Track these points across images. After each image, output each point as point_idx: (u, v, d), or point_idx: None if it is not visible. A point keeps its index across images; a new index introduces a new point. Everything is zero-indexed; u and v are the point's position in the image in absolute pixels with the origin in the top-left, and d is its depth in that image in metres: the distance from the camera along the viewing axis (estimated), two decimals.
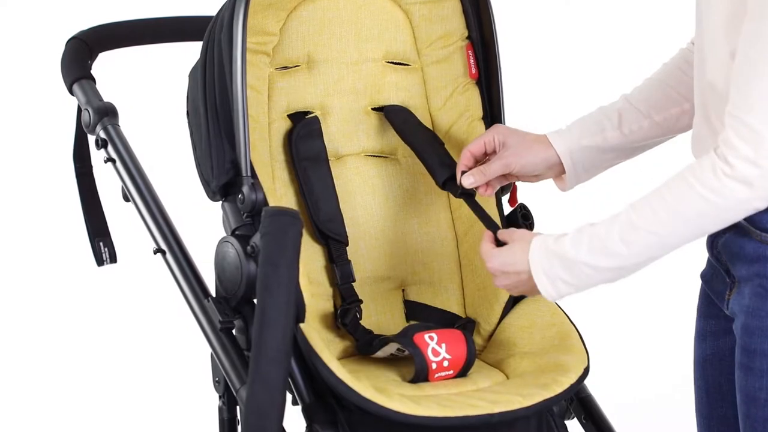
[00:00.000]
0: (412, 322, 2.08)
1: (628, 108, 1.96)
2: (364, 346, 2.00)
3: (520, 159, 1.97)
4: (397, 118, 2.10)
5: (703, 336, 1.92)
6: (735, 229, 1.76)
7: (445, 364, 1.89)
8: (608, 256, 1.73)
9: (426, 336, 1.90)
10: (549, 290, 1.78)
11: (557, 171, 2.00)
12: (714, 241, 1.82)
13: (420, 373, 1.88)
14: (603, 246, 1.73)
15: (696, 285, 1.93)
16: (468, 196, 2.00)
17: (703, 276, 1.90)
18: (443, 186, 2.04)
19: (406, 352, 1.91)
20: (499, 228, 1.92)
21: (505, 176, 2.00)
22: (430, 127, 2.14)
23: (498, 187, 2.03)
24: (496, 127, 2.02)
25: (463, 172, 1.98)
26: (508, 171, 1.98)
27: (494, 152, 1.99)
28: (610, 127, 1.96)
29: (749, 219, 1.74)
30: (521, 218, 2.06)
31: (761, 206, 1.67)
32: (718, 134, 1.69)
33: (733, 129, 1.63)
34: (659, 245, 1.71)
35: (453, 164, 2.04)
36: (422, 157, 2.07)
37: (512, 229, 1.89)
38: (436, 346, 1.89)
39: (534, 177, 2.01)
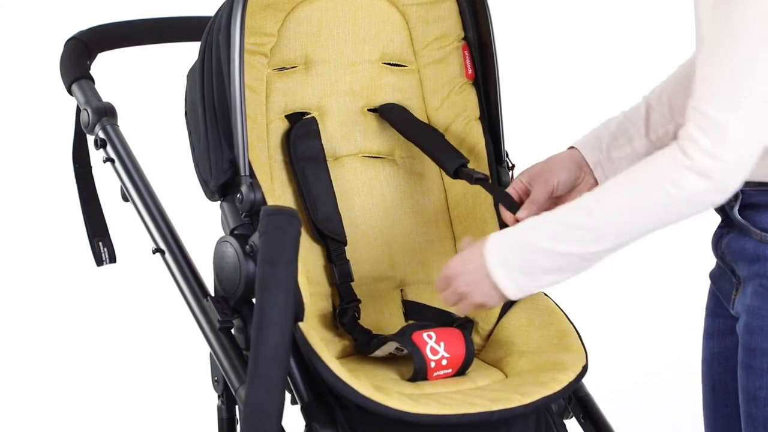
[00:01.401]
0: (410, 322, 2.09)
1: (652, 113, 1.94)
2: (362, 345, 2.01)
3: (557, 175, 1.93)
4: (393, 115, 2.11)
5: (711, 334, 1.92)
6: (737, 229, 1.77)
7: (444, 362, 1.90)
8: (564, 241, 1.71)
9: (424, 335, 1.90)
10: (504, 281, 1.74)
11: (593, 179, 1.95)
12: (718, 242, 1.83)
13: (419, 372, 1.89)
14: (560, 230, 1.71)
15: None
16: (483, 181, 1.99)
17: (712, 276, 1.91)
18: (455, 174, 2.03)
19: (405, 351, 1.91)
20: (519, 207, 1.90)
21: (554, 203, 1.93)
22: None
23: None
24: (520, 174, 1.98)
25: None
26: (551, 190, 1.93)
27: (527, 193, 1.95)
28: (638, 135, 1.93)
29: (749, 219, 1.75)
30: None
31: (719, 200, 1.66)
32: None
33: (694, 121, 1.63)
34: (616, 234, 1.69)
35: (460, 154, 2.03)
36: (427, 150, 2.06)
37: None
38: (434, 345, 1.90)
39: (577, 194, 1.93)
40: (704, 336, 1.94)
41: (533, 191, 1.93)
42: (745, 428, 1.79)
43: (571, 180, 1.94)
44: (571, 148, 1.96)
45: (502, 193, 1.96)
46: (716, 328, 1.91)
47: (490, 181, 2.05)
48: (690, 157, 1.62)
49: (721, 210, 1.82)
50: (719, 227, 1.84)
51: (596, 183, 1.94)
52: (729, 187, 1.64)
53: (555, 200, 1.94)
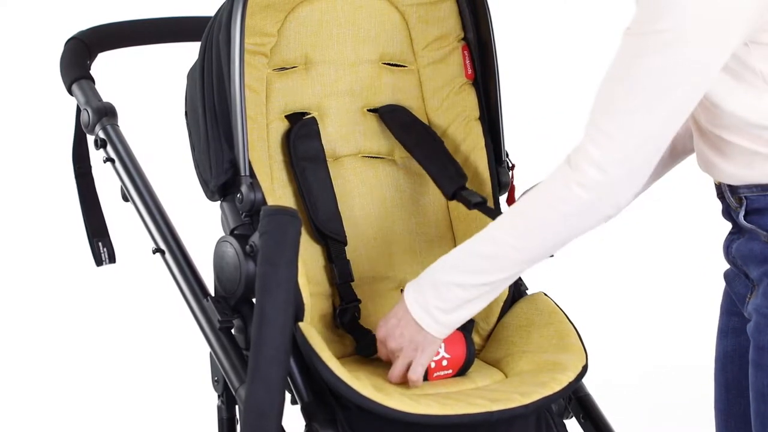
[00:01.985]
0: None
1: None
2: (364, 347, 2.01)
3: None
4: (393, 121, 2.10)
5: (725, 332, 1.93)
6: (746, 234, 1.78)
7: (444, 363, 1.90)
8: (472, 273, 1.75)
9: None
10: (428, 321, 1.79)
11: None
12: (728, 248, 1.84)
13: None
14: (466, 263, 1.76)
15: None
16: (482, 206, 2.00)
17: (726, 276, 1.92)
18: (452, 197, 2.04)
19: None
20: None
21: None
22: None
23: None
24: None
25: None
26: None
27: None
28: None
29: (755, 223, 1.76)
30: None
31: (612, 213, 1.69)
32: (714, 144, 1.71)
33: (589, 135, 1.67)
34: (521, 258, 1.74)
35: (460, 173, 2.04)
36: (425, 166, 2.07)
37: None
38: None
39: None
40: (718, 334, 1.95)
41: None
42: (755, 426, 1.80)
43: None
44: None
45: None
46: (731, 326, 1.92)
47: (489, 200, 2.05)
48: (579, 169, 1.66)
49: (729, 217, 1.83)
50: (730, 233, 1.86)
51: None
52: (617, 200, 1.68)
53: None
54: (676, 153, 1.99)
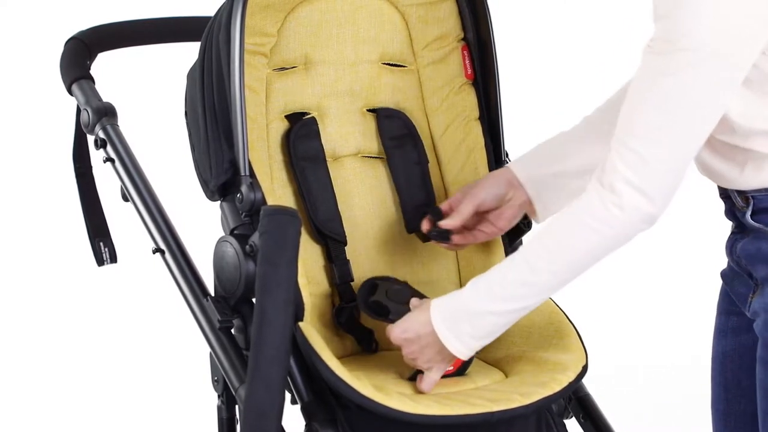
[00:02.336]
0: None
1: (590, 132, 1.96)
2: (366, 343, 2.02)
3: (484, 189, 1.96)
4: (385, 129, 2.10)
5: (723, 332, 1.93)
6: (751, 234, 1.78)
7: None
8: (508, 300, 1.76)
9: None
10: (458, 347, 1.80)
11: (524, 196, 1.98)
12: (732, 248, 1.84)
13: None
14: (502, 291, 1.76)
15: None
16: (442, 238, 1.99)
17: (724, 276, 1.92)
18: (410, 231, 2.07)
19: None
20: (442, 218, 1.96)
21: (482, 219, 1.99)
22: (427, 129, 2.14)
23: (474, 240, 2.01)
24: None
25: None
26: (478, 203, 1.97)
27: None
28: (571, 153, 1.96)
29: (763, 222, 1.76)
30: (524, 225, 2.06)
31: (648, 228, 1.70)
32: (719, 151, 1.72)
33: (619, 155, 1.67)
34: (558, 281, 1.75)
35: (428, 203, 2.06)
36: (398, 186, 2.08)
37: (415, 299, 1.91)
38: None
39: (506, 210, 1.98)
40: (716, 334, 1.95)
41: (461, 203, 1.97)
42: (762, 424, 1.80)
43: (498, 196, 1.97)
44: (505, 166, 2.00)
45: (434, 207, 2.00)
46: (730, 325, 1.92)
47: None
48: (616, 193, 1.67)
49: (733, 216, 1.82)
50: (732, 233, 1.86)
51: (528, 200, 1.97)
52: (656, 217, 1.69)
53: (482, 215, 1.98)
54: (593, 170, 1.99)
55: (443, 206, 2.00)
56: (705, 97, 1.64)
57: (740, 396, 1.91)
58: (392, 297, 1.94)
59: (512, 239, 2.08)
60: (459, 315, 1.78)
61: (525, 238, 2.08)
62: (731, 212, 1.83)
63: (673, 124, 1.64)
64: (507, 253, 2.05)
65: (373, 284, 1.97)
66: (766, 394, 1.78)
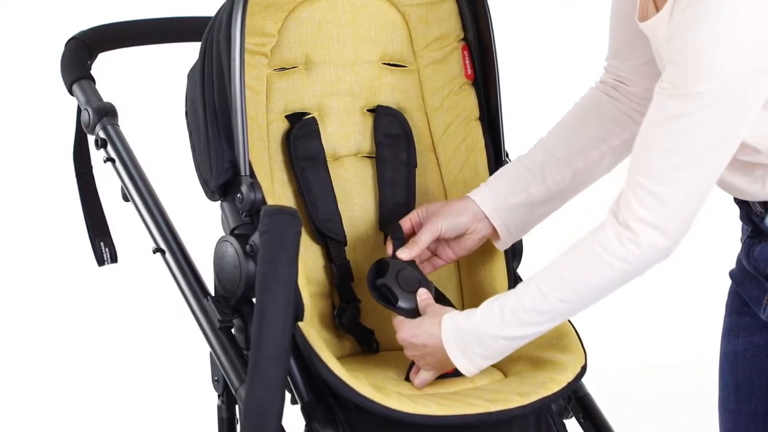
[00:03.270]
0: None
1: (549, 158, 1.96)
2: (367, 343, 2.03)
3: (445, 219, 1.96)
4: (380, 127, 2.10)
5: (735, 332, 1.93)
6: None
7: None
8: (521, 326, 1.77)
9: None
10: (467, 366, 1.81)
11: (488, 229, 1.98)
12: (749, 251, 1.84)
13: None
14: (515, 318, 1.76)
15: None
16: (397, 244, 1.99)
17: (733, 277, 1.92)
18: (381, 229, 2.07)
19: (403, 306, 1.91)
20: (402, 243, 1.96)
21: (440, 244, 1.99)
22: (427, 129, 2.14)
23: (431, 268, 2.01)
24: (420, 206, 2.02)
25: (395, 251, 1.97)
26: (437, 234, 1.96)
27: (420, 225, 1.99)
28: (534, 181, 1.96)
29: None
30: None
31: (663, 260, 1.71)
32: (737, 168, 1.72)
33: (633, 191, 1.68)
34: (571, 310, 1.77)
35: (407, 207, 2.07)
36: (381, 189, 2.09)
37: (423, 292, 1.91)
38: None
39: (466, 240, 1.99)
40: (725, 333, 1.95)
41: (421, 232, 1.97)
42: None
43: (459, 227, 1.96)
44: (468, 197, 1.99)
45: (395, 225, 2.00)
46: (741, 325, 1.92)
47: None
48: (632, 230, 1.67)
49: (750, 221, 1.83)
50: (748, 237, 1.86)
51: (494, 230, 1.97)
52: (672, 250, 1.70)
53: (439, 242, 1.99)
54: (557, 191, 1.99)
55: (404, 225, 1.99)
56: (720, 136, 1.64)
57: (751, 395, 1.91)
58: (401, 282, 1.93)
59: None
60: (470, 337, 1.79)
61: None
62: (747, 217, 1.83)
63: (689, 163, 1.65)
64: (507, 253, 2.05)
65: (381, 264, 1.96)
66: None
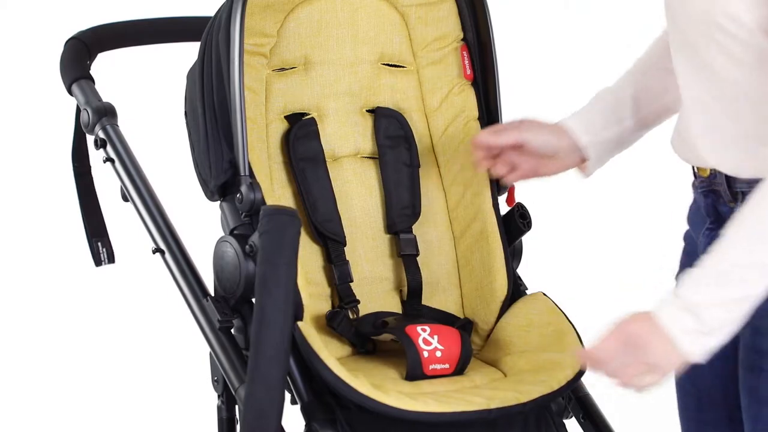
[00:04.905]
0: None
1: (640, 93, 1.95)
2: (366, 330, 2.03)
3: (538, 136, 1.94)
4: (381, 128, 2.11)
5: None
6: None
7: (438, 354, 1.90)
8: (733, 286, 1.64)
9: (418, 327, 1.92)
10: (689, 347, 1.67)
11: (576, 161, 1.97)
12: (710, 243, 1.82)
13: (413, 364, 1.89)
14: (723, 278, 1.64)
15: None
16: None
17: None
18: (389, 232, 2.09)
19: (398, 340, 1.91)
20: None
21: (520, 152, 1.96)
22: (427, 129, 2.14)
23: (505, 171, 1.98)
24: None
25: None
26: (521, 141, 1.94)
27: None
28: (627, 116, 1.95)
29: None
30: (518, 217, 2.06)
31: None
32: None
33: None
34: None
35: (414, 210, 2.08)
36: (386, 192, 2.09)
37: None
38: (427, 337, 1.90)
39: (549, 164, 1.97)
40: None
41: (508, 129, 1.95)
42: (750, 428, 1.79)
43: (551, 148, 1.95)
44: (561, 125, 1.97)
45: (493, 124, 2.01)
46: None
47: (488, 201, 2.07)
48: None
49: (714, 210, 1.82)
50: (708, 229, 1.84)
51: (582, 161, 1.96)
52: None
53: (522, 153, 1.96)
54: (646, 124, 1.99)
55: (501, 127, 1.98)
56: None
57: (711, 403, 1.91)
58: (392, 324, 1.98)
59: (512, 239, 2.08)
60: (686, 314, 1.66)
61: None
62: (713, 207, 1.82)
63: None
64: (506, 253, 2.06)
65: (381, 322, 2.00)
66: (753, 399, 1.77)
